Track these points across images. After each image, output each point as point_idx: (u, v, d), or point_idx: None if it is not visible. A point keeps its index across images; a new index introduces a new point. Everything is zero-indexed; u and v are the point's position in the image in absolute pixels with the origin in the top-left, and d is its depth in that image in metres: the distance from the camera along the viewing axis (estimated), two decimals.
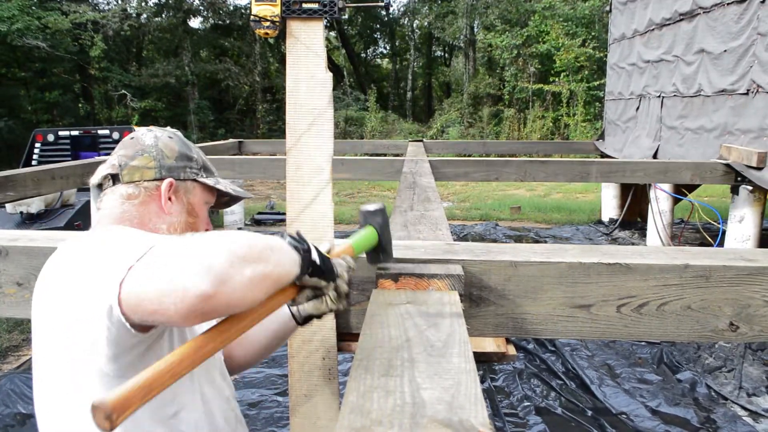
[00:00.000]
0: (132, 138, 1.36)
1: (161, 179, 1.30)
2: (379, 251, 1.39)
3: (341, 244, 1.27)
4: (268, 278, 0.97)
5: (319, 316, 1.25)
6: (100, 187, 1.33)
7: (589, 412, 4.24)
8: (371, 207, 1.39)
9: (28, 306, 1.69)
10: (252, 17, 1.58)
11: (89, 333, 1.02)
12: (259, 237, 1.00)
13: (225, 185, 1.43)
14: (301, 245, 1.08)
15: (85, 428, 1.11)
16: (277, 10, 1.58)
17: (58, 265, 1.12)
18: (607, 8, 11.04)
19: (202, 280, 0.86)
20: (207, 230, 1.41)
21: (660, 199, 7.75)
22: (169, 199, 1.31)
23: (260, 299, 0.98)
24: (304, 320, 1.40)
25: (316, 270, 1.09)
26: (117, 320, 0.96)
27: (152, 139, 1.34)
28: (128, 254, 0.97)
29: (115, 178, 1.30)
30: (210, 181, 1.39)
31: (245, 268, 0.92)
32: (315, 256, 1.09)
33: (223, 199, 1.48)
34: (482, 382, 3.94)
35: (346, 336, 1.67)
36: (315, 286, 1.12)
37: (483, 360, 1.54)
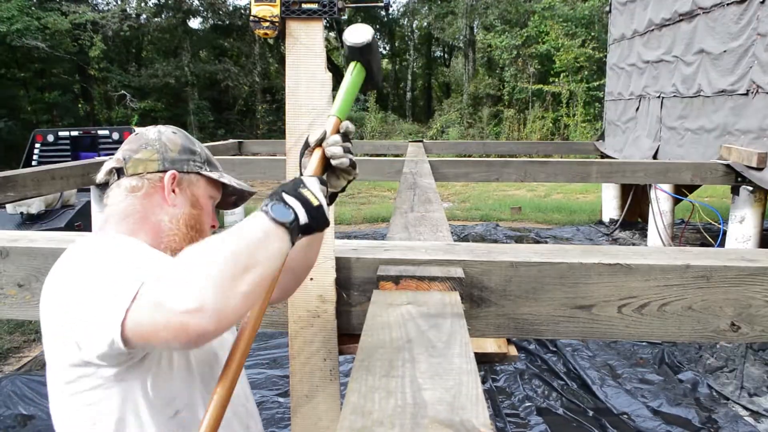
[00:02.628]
0: (136, 134, 1.39)
1: (164, 171, 1.33)
2: (368, 81, 1.29)
3: (327, 122, 1.21)
4: (263, 279, 0.98)
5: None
6: (105, 186, 1.35)
7: (591, 413, 4.24)
8: (357, 40, 1.23)
9: (29, 307, 1.69)
10: (251, 18, 1.58)
11: (88, 354, 1.06)
12: (243, 234, 0.99)
13: (229, 179, 1.44)
14: (287, 216, 1.03)
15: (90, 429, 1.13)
16: (276, 11, 1.57)
17: (62, 283, 1.13)
18: (607, 9, 11.04)
19: (200, 320, 0.90)
20: (213, 226, 1.42)
21: (660, 200, 7.75)
22: (173, 191, 1.33)
23: (261, 296, 1.00)
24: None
25: (308, 229, 1.06)
26: (117, 349, 1.01)
27: (156, 134, 1.37)
28: (124, 290, 0.99)
29: (119, 172, 1.33)
30: (214, 175, 1.41)
31: (238, 285, 0.93)
32: (304, 218, 1.04)
33: (231, 199, 1.50)
34: (483, 382, 3.94)
35: (347, 337, 1.67)
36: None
37: (484, 361, 1.54)
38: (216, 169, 1.43)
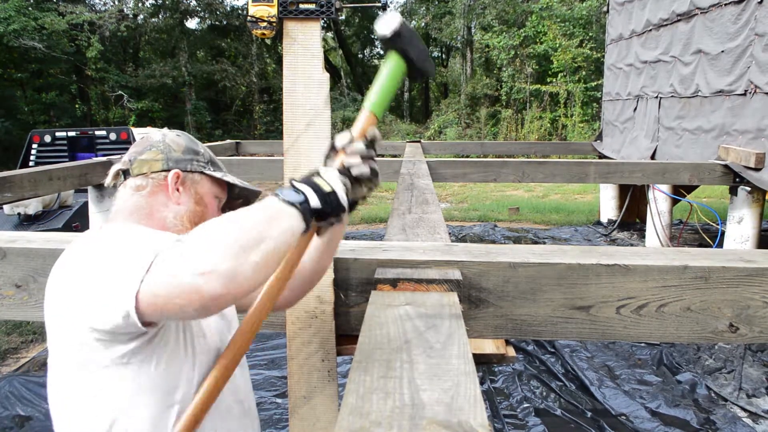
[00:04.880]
0: (142, 137, 1.46)
1: (168, 170, 1.38)
2: (415, 69, 1.24)
3: (358, 122, 1.20)
4: (274, 253, 1.01)
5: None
6: (101, 186, 1.39)
7: (589, 414, 4.24)
8: (386, 29, 1.18)
9: (26, 308, 1.68)
10: (249, 18, 1.58)
11: (101, 334, 1.07)
12: (255, 211, 1.03)
13: (233, 179, 1.49)
14: (297, 197, 1.07)
15: (94, 422, 1.12)
16: (274, 11, 1.57)
17: (70, 265, 1.14)
18: (605, 9, 11.05)
19: (212, 282, 0.93)
20: None
21: (658, 200, 7.75)
22: (177, 189, 1.38)
23: (273, 272, 1.04)
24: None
25: (322, 214, 1.09)
26: (132, 323, 1.02)
27: (160, 136, 1.44)
28: (137, 262, 1.01)
29: (126, 173, 1.39)
30: (217, 174, 1.45)
31: (250, 254, 0.96)
32: (315, 202, 1.07)
33: (237, 202, 1.54)
34: (481, 383, 3.92)
35: (345, 338, 1.67)
36: (328, 224, 1.14)
37: (482, 361, 1.54)
38: (220, 170, 1.47)
